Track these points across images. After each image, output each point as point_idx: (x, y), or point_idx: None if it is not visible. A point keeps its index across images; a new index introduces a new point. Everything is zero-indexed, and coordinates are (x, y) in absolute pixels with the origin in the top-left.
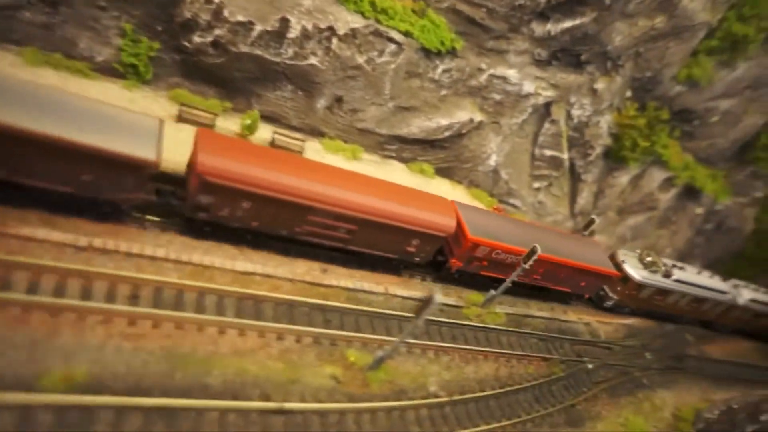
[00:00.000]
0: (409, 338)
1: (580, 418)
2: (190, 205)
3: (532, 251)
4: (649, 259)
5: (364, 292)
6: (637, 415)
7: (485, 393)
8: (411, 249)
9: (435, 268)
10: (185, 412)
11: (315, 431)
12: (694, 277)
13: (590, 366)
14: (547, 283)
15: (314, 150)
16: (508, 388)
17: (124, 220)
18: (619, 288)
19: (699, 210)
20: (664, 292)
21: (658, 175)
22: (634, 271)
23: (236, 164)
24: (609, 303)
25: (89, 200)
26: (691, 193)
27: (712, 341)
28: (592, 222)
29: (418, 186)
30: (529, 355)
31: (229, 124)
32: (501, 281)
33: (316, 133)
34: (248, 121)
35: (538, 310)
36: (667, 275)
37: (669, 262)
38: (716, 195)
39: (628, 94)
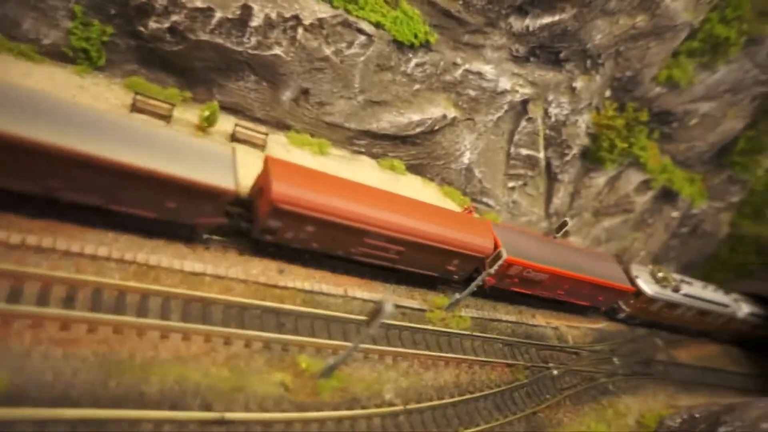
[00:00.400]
0: (362, 346)
1: (541, 426)
2: (259, 228)
3: (498, 255)
4: (660, 274)
5: (323, 294)
6: (600, 422)
7: (443, 401)
8: (451, 268)
9: (467, 284)
10: (116, 423)
11: None
12: (700, 292)
13: (555, 372)
14: (570, 297)
15: (279, 144)
16: (468, 396)
17: (65, 216)
18: (631, 301)
19: (675, 213)
20: (672, 305)
21: (635, 177)
22: (647, 286)
23: (305, 192)
24: (621, 315)
25: (169, 224)
26: (667, 196)
27: (681, 345)
28: (564, 224)
29: (387, 182)
30: (492, 361)
31: (188, 115)
32: (529, 296)
33: (282, 126)
34: (207, 113)
35: (506, 314)
36: (676, 290)
37: (678, 277)
38: (693, 199)
39: (608, 93)
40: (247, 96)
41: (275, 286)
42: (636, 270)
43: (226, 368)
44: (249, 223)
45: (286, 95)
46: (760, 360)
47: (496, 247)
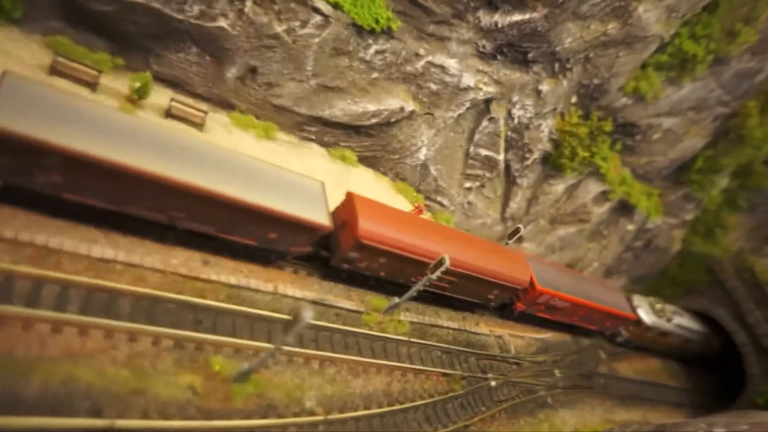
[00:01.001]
0: (287, 348)
1: None
2: (341, 258)
3: (440, 262)
4: (657, 306)
5: (250, 289)
6: None
7: (369, 411)
8: (491, 296)
9: (500, 308)
10: None
11: None
12: (687, 322)
13: (493, 383)
14: (584, 323)
15: (221, 124)
16: (398, 406)
17: None
18: (631, 328)
19: (631, 226)
20: (664, 333)
21: (594, 187)
22: (646, 315)
23: (383, 228)
24: (620, 339)
25: (265, 251)
26: (624, 208)
27: (623, 358)
28: (518, 231)
29: (337, 173)
30: (428, 370)
31: (117, 85)
32: (552, 322)
33: (225, 105)
34: (138, 84)
35: (448, 320)
36: (669, 320)
37: (671, 308)
38: (649, 213)
39: (573, 100)
40: (187, 69)
41: (197, 279)
42: (637, 300)
43: (127, 368)
44: (329, 251)
45: (232, 72)
46: (693, 375)
47: (531, 279)
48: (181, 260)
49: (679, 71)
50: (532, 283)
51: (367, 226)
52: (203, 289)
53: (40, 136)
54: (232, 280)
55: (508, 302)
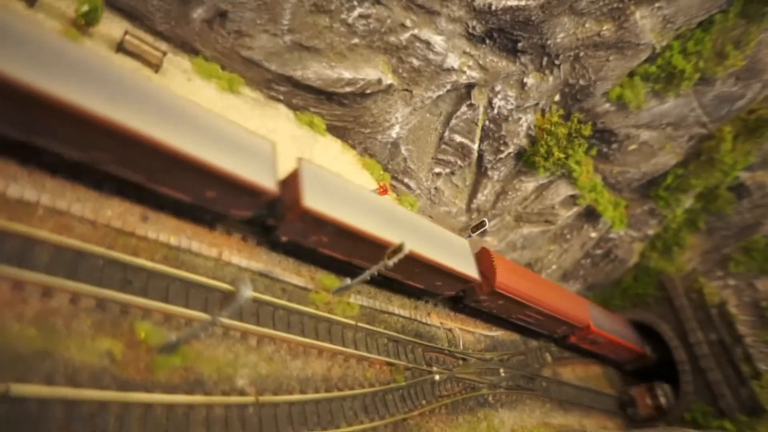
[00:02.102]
0: (223, 320)
1: None
2: (473, 299)
3: (399, 248)
4: None
5: (191, 253)
6: None
7: (305, 396)
8: (559, 331)
9: (555, 341)
10: None
11: (48, 428)
12: None
13: (437, 377)
14: (611, 355)
15: (181, 69)
16: (336, 393)
17: None
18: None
19: (594, 234)
20: None
21: (563, 190)
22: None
23: (510, 278)
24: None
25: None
26: (590, 215)
27: (567, 363)
28: (482, 225)
29: (302, 140)
30: (371, 357)
31: (61, 5)
32: (591, 354)
33: (188, 49)
34: (85, 8)
35: (400, 307)
36: None
37: None
38: (613, 223)
39: (557, 98)
40: (148, 1)
41: (132, 235)
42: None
43: (35, 327)
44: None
45: (198, 13)
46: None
47: (588, 321)
48: (117, 212)
49: (665, 85)
50: (588, 324)
51: (502, 279)
52: (137, 246)
53: None
54: (172, 241)
55: (564, 336)
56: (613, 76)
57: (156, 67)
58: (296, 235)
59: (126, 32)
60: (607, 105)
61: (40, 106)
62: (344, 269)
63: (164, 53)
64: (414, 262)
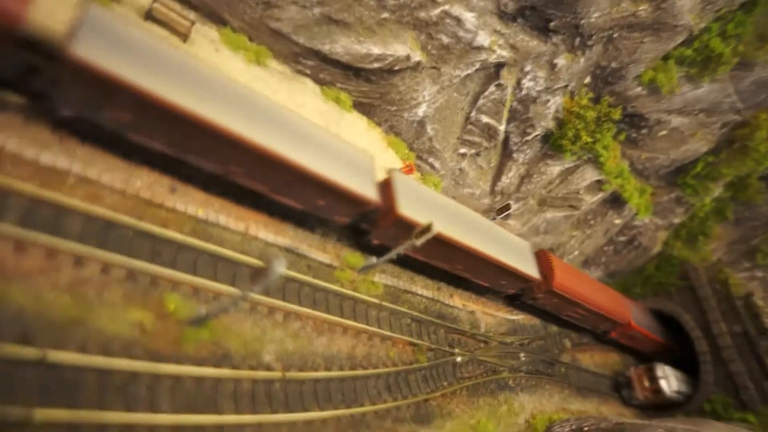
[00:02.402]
0: (241, 303)
1: (430, 415)
2: (530, 297)
3: (427, 228)
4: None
5: (219, 226)
6: (491, 418)
7: (330, 373)
8: (602, 327)
9: (596, 336)
10: None
11: (83, 396)
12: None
13: (459, 359)
14: (647, 350)
15: (209, 39)
16: (359, 372)
17: None
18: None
19: (618, 221)
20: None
21: (589, 175)
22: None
23: (566, 280)
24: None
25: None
26: (616, 201)
27: (586, 349)
28: (507, 207)
29: (328, 116)
30: (395, 337)
31: None
32: (626, 347)
33: (216, 19)
34: None
35: (423, 287)
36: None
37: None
38: (638, 210)
39: (587, 80)
40: None
41: (161, 206)
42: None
43: (69, 295)
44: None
45: None
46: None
47: (629, 318)
48: (146, 183)
49: (700, 69)
50: (629, 321)
51: (560, 279)
52: (166, 218)
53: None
54: (200, 214)
55: (605, 331)
56: (647, 58)
57: (184, 36)
58: (388, 239)
59: (155, 0)
60: (639, 89)
61: (192, 127)
62: (421, 270)
63: (192, 22)
64: (485, 263)
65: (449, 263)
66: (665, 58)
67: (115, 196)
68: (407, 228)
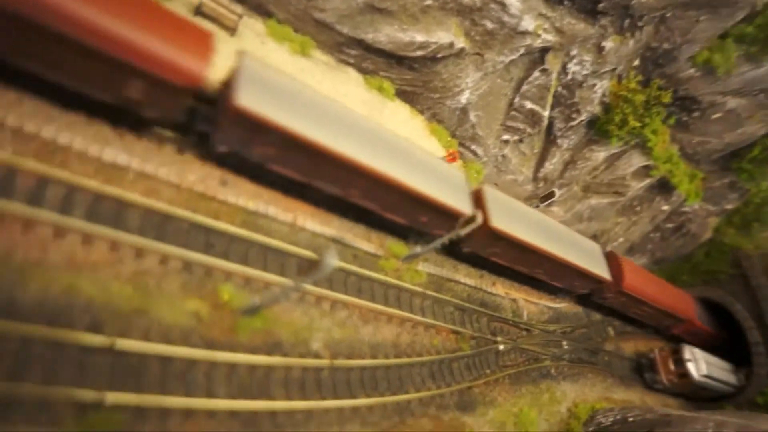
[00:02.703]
0: (290, 292)
1: (473, 403)
2: (600, 296)
3: (472, 219)
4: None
5: (268, 218)
6: (533, 406)
7: (376, 360)
8: (666, 323)
9: (656, 331)
10: None
11: (148, 381)
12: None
13: (501, 347)
14: (693, 339)
15: (255, 32)
16: (405, 359)
17: None
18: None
19: (666, 207)
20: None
21: (636, 161)
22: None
23: (635, 280)
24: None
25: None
26: (664, 187)
27: (630, 338)
28: (552, 195)
29: (371, 104)
30: (439, 325)
31: None
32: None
33: (261, 12)
34: None
35: (466, 276)
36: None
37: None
38: (688, 196)
39: (636, 63)
40: None
41: (213, 199)
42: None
43: (131, 285)
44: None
45: None
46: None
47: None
48: (199, 176)
49: (762, 47)
50: (692, 318)
51: (630, 281)
52: (218, 210)
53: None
54: (250, 206)
55: (667, 326)
56: (703, 38)
57: (232, 30)
58: (478, 248)
59: None
60: (692, 70)
61: (324, 158)
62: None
63: (240, 16)
64: (563, 266)
65: (530, 267)
66: (723, 36)
67: (170, 189)
68: (497, 238)
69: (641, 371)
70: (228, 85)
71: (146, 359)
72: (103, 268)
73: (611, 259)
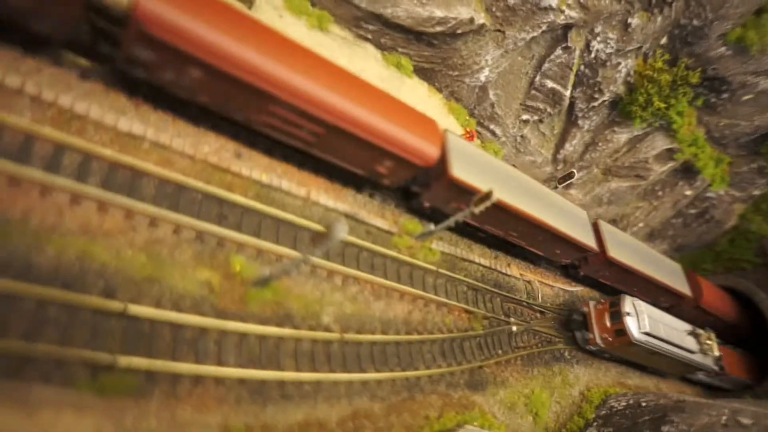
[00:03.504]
0: (302, 265)
1: (484, 382)
2: (584, 266)
3: (487, 196)
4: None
5: (281, 191)
6: (545, 388)
7: (386, 336)
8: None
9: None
10: None
11: (158, 346)
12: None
13: (515, 328)
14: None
15: (272, 5)
16: (415, 336)
17: None
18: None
19: (689, 192)
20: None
21: (660, 143)
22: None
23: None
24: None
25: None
26: (687, 171)
27: None
28: (571, 176)
29: (389, 81)
30: (451, 303)
31: None
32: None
33: None
34: None
35: (480, 255)
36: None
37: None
38: (713, 181)
39: (663, 41)
40: None
41: (227, 171)
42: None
43: (144, 254)
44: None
45: None
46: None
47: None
48: (213, 148)
49: None
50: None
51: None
52: (232, 182)
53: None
54: (264, 179)
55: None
56: (736, 14)
57: (249, 2)
58: (592, 272)
59: None
60: (723, 49)
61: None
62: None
63: None
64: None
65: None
66: (758, 12)
67: (185, 160)
68: (612, 265)
69: (571, 329)
70: (443, 158)
71: (158, 325)
72: (117, 235)
73: (690, 276)
